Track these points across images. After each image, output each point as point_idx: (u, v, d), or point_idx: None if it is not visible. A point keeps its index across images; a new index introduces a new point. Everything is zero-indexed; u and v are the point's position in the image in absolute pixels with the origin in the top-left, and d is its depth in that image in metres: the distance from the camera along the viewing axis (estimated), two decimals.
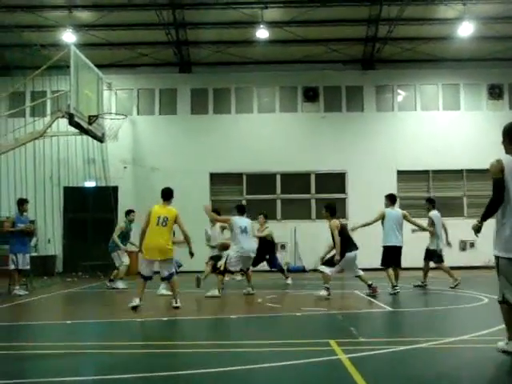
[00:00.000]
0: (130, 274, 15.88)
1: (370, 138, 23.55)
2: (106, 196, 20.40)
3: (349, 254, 12.37)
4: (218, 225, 14.48)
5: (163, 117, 24.15)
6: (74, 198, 22.33)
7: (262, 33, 21.88)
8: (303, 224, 23.02)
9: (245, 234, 12.98)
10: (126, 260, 15.07)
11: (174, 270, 10.80)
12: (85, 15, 21.76)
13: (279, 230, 22.63)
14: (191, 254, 10.81)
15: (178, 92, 24.20)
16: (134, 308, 10.09)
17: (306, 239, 22.55)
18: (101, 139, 16.84)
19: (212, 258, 14.22)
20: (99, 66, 16.90)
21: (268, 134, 23.44)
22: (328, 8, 21.33)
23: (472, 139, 23.26)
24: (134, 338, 8.21)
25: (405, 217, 13.61)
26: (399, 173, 23.36)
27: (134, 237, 14.15)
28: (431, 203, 14.86)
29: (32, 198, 17.11)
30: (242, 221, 13.13)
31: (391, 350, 6.58)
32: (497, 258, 6.07)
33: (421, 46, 22.90)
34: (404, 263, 13.67)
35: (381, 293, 12.70)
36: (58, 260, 22.59)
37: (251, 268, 13.64)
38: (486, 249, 22.44)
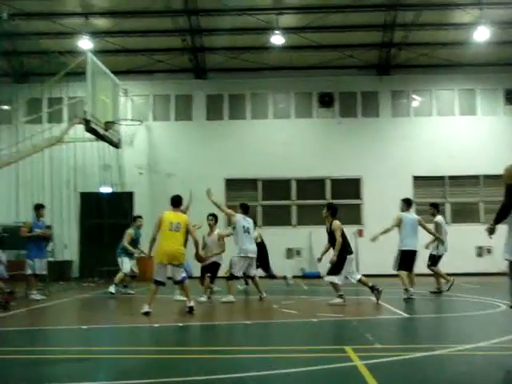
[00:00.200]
0: (147, 279, 15.88)
1: (386, 144, 23.48)
2: (122, 202, 20.53)
3: (349, 257, 12.36)
4: (216, 232, 14.04)
5: (179, 123, 24.24)
6: (90, 203, 22.46)
7: (277, 39, 21.91)
8: (318, 230, 22.75)
9: (247, 234, 12.90)
10: (125, 268, 14.80)
11: (185, 274, 10.91)
12: (101, 22, 21.96)
13: (294, 235, 22.66)
14: (198, 259, 11.17)
15: (193, 98, 24.29)
16: (146, 314, 10.15)
17: (321, 245, 22.20)
18: (117, 145, 16.95)
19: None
20: (115, 73, 17.05)
21: (283, 140, 23.44)
22: (343, 14, 21.35)
23: (488, 144, 23.12)
24: (150, 343, 8.23)
25: (420, 222, 13.56)
26: (415, 178, 23.26)
27: (143, 243, 14.20)
28: (436, 208, 14.79)
29: (49, 204, 17.25)
30: (245, 220, 13.02)
31: (407, 356, 6.54)
32: (509, 262, 6.03)
33: (437, 51, 22.82)
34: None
35: (395, 299, 12.63)
36: (74, 265, 22.73)
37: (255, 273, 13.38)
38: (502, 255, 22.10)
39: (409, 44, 22.42)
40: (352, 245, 22.06)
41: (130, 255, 14.91)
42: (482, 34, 21.27)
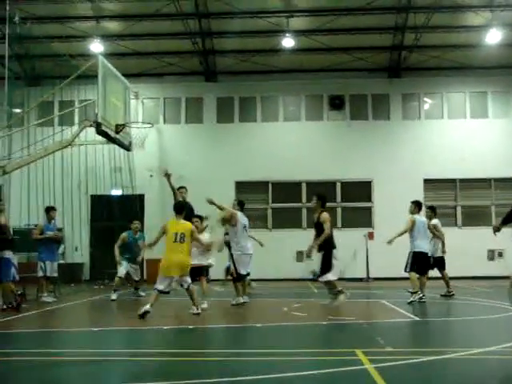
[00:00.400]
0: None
1: (397, 147, 23.42)
2: (133, 204, 20.57)
3: (335, 252, 12.21)
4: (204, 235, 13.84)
5: (189, 125, 24.29)
6: (101, 206, 22.53)
7: (288, 41, 21.92)
8: None
9: (245, 231, 12.83)
10: (119, 272, 14.63)
11: (190, 279, 10.72)
12: (112, 25, 22.07)
13: (305, 238, 22.51)
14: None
15: (203, 101, 24.34)
16: (143, 315, 9.99)
17: None
18: (127, 148, 16.97)
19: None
20: (126, 76, 17.06)
21: (293, 143, 23.43)
22: (354, 16, 21.33)
23: (500, 147, 23.01)
24: (160, 346, 8.23)
25: (428, 226, 13.58)
26: (426, 181, 23.17)
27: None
28: (433, 211, 14.68)
29: (60, 206, 17.32)
30: (243, 218, 12.93)
31: (418, 360, 6.51)
32: None
33: (448, 53, 22.74)
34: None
35: (406, 302, 12.59)
36: (85, 267, 22.81)
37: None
38: None
39: (419, 46, 22.35)
40: (362, 247, 22.34)
41: (127, 259, 14.71)
42: (493, 37, 21.19)
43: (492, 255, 22.19)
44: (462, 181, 23.25)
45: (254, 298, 13.83)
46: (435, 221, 14.44)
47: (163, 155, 23.81)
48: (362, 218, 23.33)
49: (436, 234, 14.15)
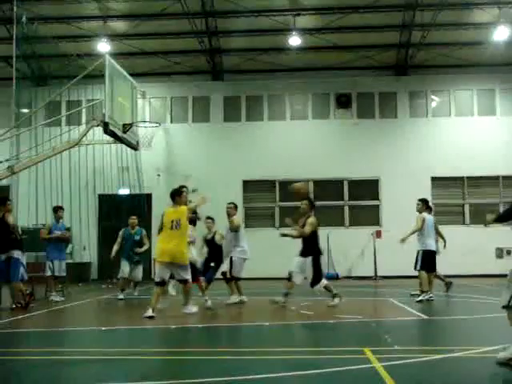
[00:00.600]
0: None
1: (404, 145, 23.37)
2: (140, 203, 20.60)
3: (322, 257, 12.06)
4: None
5: (196, 124, 24.31)
6: (109, 205, 22.58)
7: (295, 40, 21.90)
8: (336, 231, 22.88)
9: (245, 235, 12.87)
10: (122, 272, 14.55)
11: (190, 277, 10.55)
12: (119, 25, 22.12)
13: None
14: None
15: (210, 100, 24.36)
16: (150, 318, 10.01)
17: (339, 246, 22.43)
18: (135, 147, 16.98)
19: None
20: (133, 75, 17.06)
21: (301, 141, 23.41)
22: (360, 14, 21.28)
23: (508, 145, 22.91)
24: (168, 345, 8.25)
25: (434, 224, 13.59)
26: (433, 179, 23.10)
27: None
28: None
29: (68, 206, 17.39)
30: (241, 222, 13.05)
31: (426, 358, 6.49)
32: None
33: (455, 51, 22.66)
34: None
35: (414, 300, 12.57)
36: (93, 267, 22.88)
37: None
38: None
39: (427, 44, 22.29)
40: (370, 246, 22.31)
41: (125, 258, 14.59)
42: (501, 34, 21.09)
43: (500, 253, 22.11)
44: (470, 178, 23.16)
45: (262, 297, 13.82)
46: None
47: (170, 154, 23.86)
48: (369, 217, 23.29)
49: (441, 234, 14.07)
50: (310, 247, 11.78)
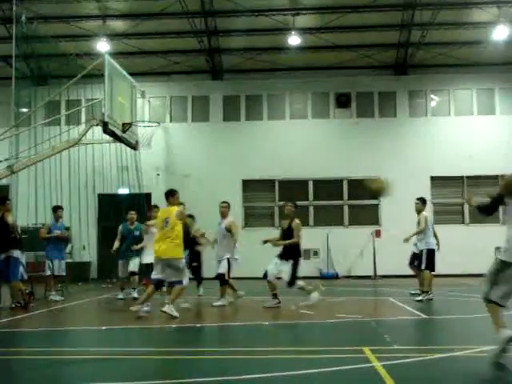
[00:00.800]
0: None
1: (403, 144, 23.37)
2: (140, 203, 20.57)
3: (301, 260, 11.97)
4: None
5: (196, 124, 24.31)
6: (108, 204, 22.55)
7: (294, 39, 21.89)
8: (336, 230, 22.91)
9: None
10: (120, 272, 14.37)
11: (182, 280, 10.26)
12: (118, 24, 22.11)
13: (311, 236, 22.56)
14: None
15: (210, 99, 24.35)
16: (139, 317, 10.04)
17: (339, 245, 22.45)
18: (134, 147, 16.98)
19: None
20: (133, 74, 17.06)
21: (300, 141, 23.41)
22: (360, 14, 21.26)
23: (507, 144, 22.90)
24: (168, 344, 8.26)
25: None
26: (433, 179, 23.11)
27: None
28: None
29: (67, 205, 17.38)
30: None
31: (425, 357, 6.50)
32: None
33: (454, 50, 22.64)
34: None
35: (413, 299, 12.59)
36: (92, 266, 22.87)
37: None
38: None
39: (426, 43, 22.28)
40: (369, 245, 22.32)
41: (124, 254, 14.25)
42: (500, 33, 21.08)
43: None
44: (469, 178, 23.15)
45: (261, 297, 13.82)
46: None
47: (170, 154, 23.85)
48: (368, 216, 23.30)
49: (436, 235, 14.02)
50: (293, 250, 11.76)
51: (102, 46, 21.43)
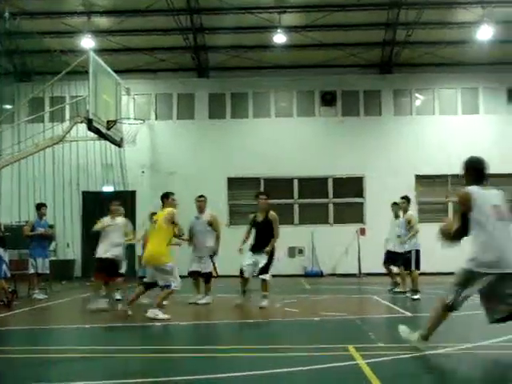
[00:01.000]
0: None
1: (388, 142, 23.45)
2: (124, 201, 20.46)
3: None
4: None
5: (181, 121, 24.22)
6: (93, 202, 22.40)
7: (280, 37, 21.88)
8: (321, 228, 22.95)
9: None
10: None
11: (171, 284, 10.02)
12: (103, 21, 21.96)
13: (296, 234, 22.64)
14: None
15: (195, 97, 24.27)
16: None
17: (324, 244, 22.49)
18: (119, 144, 16.93)
19: None
20: (117, 72, 17.01)
21: (285, 139, 23.41)
22: (346, 12, 21.30)
23: (491, 143, 23.03)
24: (152, 343, 8.23)
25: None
26: (417, 177, 23.21)
27: None
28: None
29: (51, 203, 17.26)
30: None
31: (410, 355, 6.53)
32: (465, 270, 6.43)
33: (439, 49, 22.74)
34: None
35: (398, 298, 12.63)
36: (76, 264, 22.70)
37: None
38: None
39: (411, 42, 22.35)
40: (354, 244, 22.37)
41: None
42: (484, 33, 21.20)
43: None
44: (454, 177, 23.25)
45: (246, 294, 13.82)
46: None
47: (155, 151, 23.75)
48: (353, 214, 23.36)
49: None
50: (269, 241, 11.65)
51: (87, 42, 21.26)
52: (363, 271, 21.79)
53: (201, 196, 12.92)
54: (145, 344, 8.05)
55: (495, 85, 23.74)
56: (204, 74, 24.23)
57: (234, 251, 11.86)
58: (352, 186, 23.53)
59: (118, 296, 13.39)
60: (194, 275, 12.62)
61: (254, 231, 12.07)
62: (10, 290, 12.26)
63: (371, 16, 21.65)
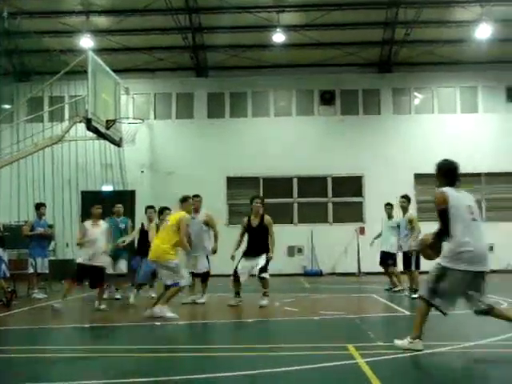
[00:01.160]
0: None
1: (387, 141, 23.45)
2: (124, 200, 20.44)
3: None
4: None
5: (180, 121, 24.23)
6: (92, 202, 22.31)
7: (279, 36, 21.88)
8: (320, 228, 22.96)
9: None
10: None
11: (179, 282, 9.89)
12: (102, 20, 21.95)
13: (295, 233, 22.66)
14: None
15: (194, 96, 24.27)
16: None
17: (323, 243, 22.50)
18: (118, 144, 16.92)
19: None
20: (116, 71, 16.99)
21: (284, 138, 23.41)
22: (344, 11, 21.31)
23: (490, 142, 23.10)
24: (152, 342, 8.23)
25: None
26: (416, 176, 23.20)
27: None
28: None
29: (50, 203, 17.27)
30: None
31: (409, 354, 6.53)
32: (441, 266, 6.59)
33: (438, 48, 22.75)
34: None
35: (397, 296, 12.64)
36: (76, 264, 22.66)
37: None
38: (504, 253, 22.30)
39: (410, 41, 22.36)
40: (353, 243, 22.38)
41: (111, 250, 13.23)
42: (483, 32, 21.22)
43: None
44: None
45: (246, 293, 13.82)
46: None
47: (154, 151, 23.76)
48: (352, 213, 23.37)
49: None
50: (266, 244, 11.66)
51: (86, 42, 21.25)
52: (362, 270, 21.81)
53: (196, 196, 12.63)
54: (144, 344, 8.04)
55: (494, 83, 23.76)
56: (203, 73, 24.23)
57: (230, 250, 11.88)
58: (351, 185, 23.54)
59: (117, 295, 13.45)
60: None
61: (247, 236, 11.95)
62: (9, 289, 12.25)
63: (370, 15, 21.66)
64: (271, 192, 23.45)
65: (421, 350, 6.56)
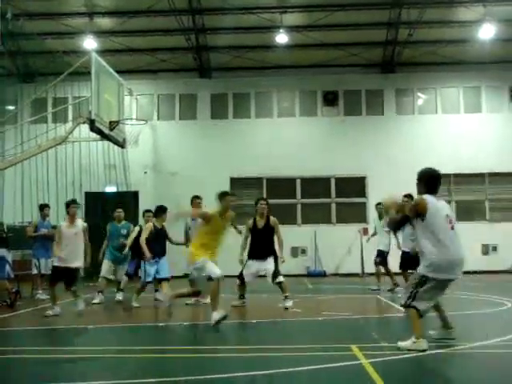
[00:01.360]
0: None
1: (391, 142, 23.43)
2: (127, 201, 20.52)
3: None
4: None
5: (183, 122, 24.25)
6: (96, 203, 22.44)
7: (282, 37, 21.89)
8: (323, 228, 22.95)
9: None
10: (103, 271, 13.63)
11: (211, 276, 9.28)
12: (105, 22, 21.98)
13: (299, 234, 22.65)
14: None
15: (197, 97, 24.28)
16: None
17: (327, 243, 22.49)
18: (121, 145, 16.96)
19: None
20: (120, 72, 17.04)
21: (288, 139, 23.40)
22: (347, 12, 21.30)
23: (493, 142, 23.06)
24: (157, 343, 8.24)
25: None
26: None
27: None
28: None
29: (54, 204, 17.27)
30: None
31: (413, 354, 6.53)
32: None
33: (441, 48, 22.72)
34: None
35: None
36: None
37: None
38: (508, 253, 22.25)
39: (413, 42, 22.33)
40: (357, 243, 22.36)
41: (111, 253, 13.71)
42: (486, 32, 21.19)
43: (486, 250, 22.24)
44: (456, 176, 23.24)
45: (250, 294, 13.83)
46: None
47: (157, 152, 23.78)
48: (356, 214, 23.34)
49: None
50: (272, 247, 11.66)
51: (89, 43, 21.29)
52: (366, 271, 21.76)
53: (197, 197, 12.49)
54: (146, 344, 8.06)
55: (497, 83, 23.72)
56: (206, 74, 24.24)
57: (237, 251, 11.86)
58: (354, 186, 23.53)
59: (119, 297, 13.40)
60: None
61: (251, 237, 11.81)
62: (13, 290, 12.28)
63: (373, 15, 21.65)
64: (275, 193, 23.44)
65: (425, 350, 6.56)
